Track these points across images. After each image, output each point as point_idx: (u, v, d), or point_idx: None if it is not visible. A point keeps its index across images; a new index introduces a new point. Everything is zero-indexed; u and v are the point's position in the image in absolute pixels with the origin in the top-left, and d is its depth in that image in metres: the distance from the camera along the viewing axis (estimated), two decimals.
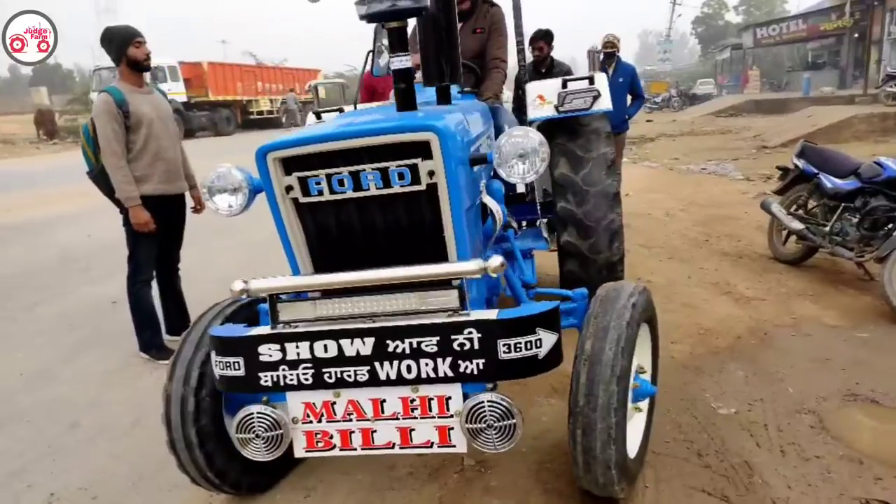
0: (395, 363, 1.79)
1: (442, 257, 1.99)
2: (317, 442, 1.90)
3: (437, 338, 1.76)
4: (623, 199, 7.81)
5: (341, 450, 1.89)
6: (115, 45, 3.65)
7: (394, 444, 1.87)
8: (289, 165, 1.96)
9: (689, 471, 2.49)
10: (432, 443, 1.84)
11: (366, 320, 1.83)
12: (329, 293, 1.92)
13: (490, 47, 3.77)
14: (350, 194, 1.95)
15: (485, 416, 1.75)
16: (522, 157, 1.98)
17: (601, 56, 6.98)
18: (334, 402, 1.86)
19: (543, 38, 5.87)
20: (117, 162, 3.56)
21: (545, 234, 3.73)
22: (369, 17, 1.90)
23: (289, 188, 1.97)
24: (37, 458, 2.90)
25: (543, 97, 3.67)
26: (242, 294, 1.87)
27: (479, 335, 1.75)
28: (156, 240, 3.76)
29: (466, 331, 1.75)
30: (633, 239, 6.12)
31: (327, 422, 1.88)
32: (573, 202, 3.62)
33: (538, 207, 3.76)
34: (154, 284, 3.94)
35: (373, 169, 1.90)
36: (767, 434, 2.73)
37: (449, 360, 1.77)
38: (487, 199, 2.26)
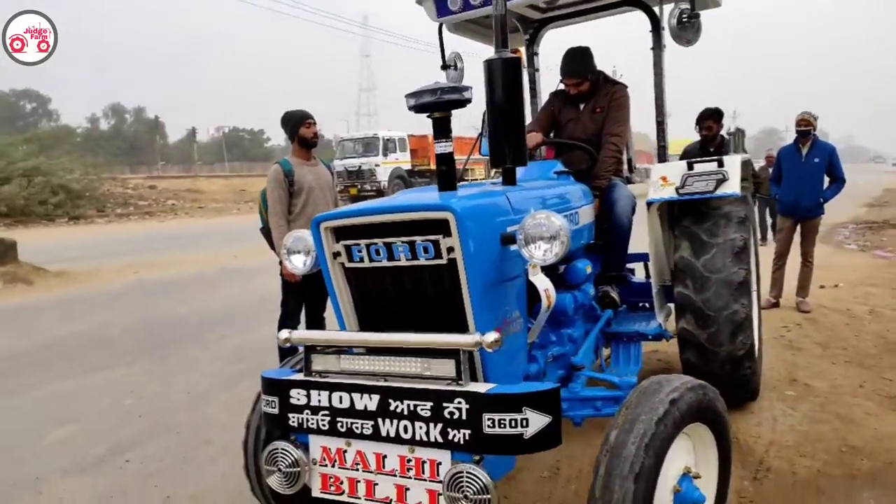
0: (395, 422, 1.92)
1: (464, 327, 2.09)
2: (330, 485, 2.08)
3: (431, 403, 1.86)
4: (830, 290, 7.08)
5: (349, 496, 2.05)
6: (290, 125, 4.35)
7: (391, 500, 1.98)
8: (338, 234, 2.24)
9: None
10: None
11: (378, 378, 2.00)
12: (355, 350, 2.13)
13: (607, 123, 3.75)
14: (385, 263, 2.16)
15: (462, 486, 1.79)
16: (544, 240, 2.04)
17: (794, 135, 6.49)
18: (345, 451, 2.03)
19: (712, 116, 5.66)
20: (279, 221, 4.20)
21: (660, 320, 3.58)
22: (416, 109, 2.14)
23: (336, 254, 2.24)
24: (171, 465, 3.46)
25: (666, 178, 3.58)
26: (286, 343, 2.16)
27: (468, 406, 1.82)
28: (302, 291, 4.30)
29: (457, 400, 1.83)
30: (813, 336, 5.51)
31: (339, 468, 2.05)
32: (692, 288, 3.45)
33: (653, 290, 3.62)
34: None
35: (403, 242, 2.10)
36: None
37: (440, 426, 1.85)
38: (535, 279, 2.32)
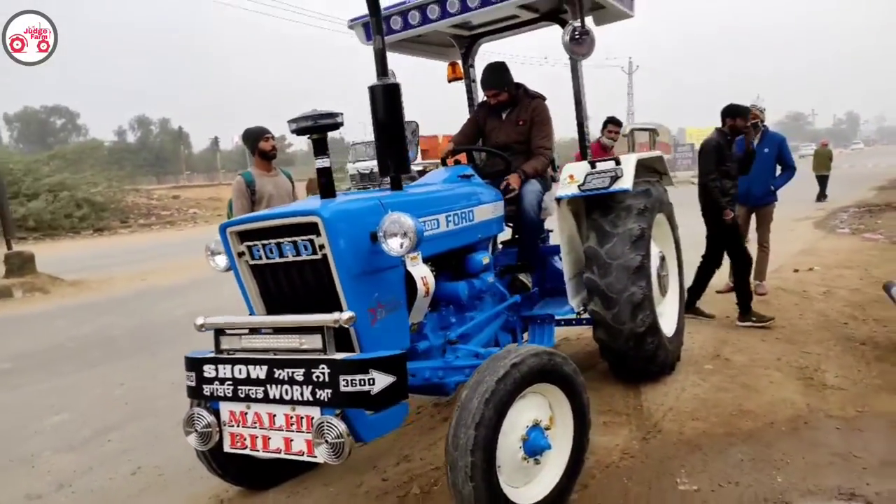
0: (279, 386, 2.38)
1: (339, 310, 2.54)
2: (237, 442, 2.55)
3: (303, 370, 2.33)
4: (803, 273, 7.35)
5: (251, 450, 2.52)
6: (250, 140, 4.85)
7: (280, 450, 2.44)
8: (242, 237, 2.72)
9: None
10: (303, 452, 2.38)
11: (267, 353, 2.47)
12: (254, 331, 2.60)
13: (534, 137, 4.16)
14: (277, 259, 2.63)
15: (324, 433, 2.26)
16: (398, 235, 2.48)
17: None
18: (246, 413, 2.50)
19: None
20: None
21: (573, 304, 3.97)
22: (297, 132, 2.60)
23: (241, 254, 2.72)
24: (145, 443, 3.98)
25: (573, 176, 3.99)
26: (202, 327, 2.64)
27: (329, 370, 2.28)
28: None
29: (321, 366, 2.30)
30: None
31: (242, 427, 2.52)
32: (597, 273, 3.86)
33: (565, 277, 3.99)
34: None
35: (288, 241, 2.57)
36: None
37: (310, 387, 2.32)
38: (412, 269, 2.76)
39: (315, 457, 2.33)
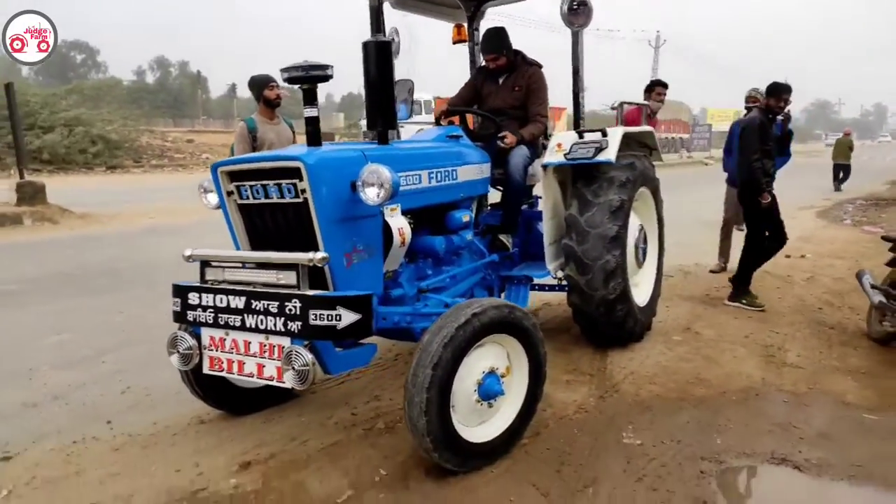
0: (255, 316, 2.60)
1: (317, 251, 2.74)
2: (215, 365, 2.78)
3: (278, 303, 2.54)
4: (795, 260, 7.45)
5: (227, 372, 2.75)
6: (256, 88, 5.00)
7: (253, 374, 2.67)
8: (232, 177, 2.90)
9: (538, 470, 2.85)
10: (273, 377, 2.61)
11: (247, 285, 2.68)
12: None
13: (531, 104, 4.29)
14: (263, 200, 2.83)
15: (291, 360, 2.48)
16: (375, 185, 2.66)
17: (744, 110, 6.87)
18: (224, 339, 2.73)
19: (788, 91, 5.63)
20: None
21: (550, 268, 4.16)
22: (289, 80, 2.76)
23: (230, 193, 2.91)
24: (137, 366, 4.24)
25: (561, 145, 4.13)
26: (189, 258, 2.85)
27: (300, 305, 2.49)
28: None
29: (293, 300, 2.51)
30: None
31: (220, 352, 2.75)
32: (575, 240, 4.03)
33: (545, 242, 4.16)
34: None
35: (273, 184, 2.76)
36: (646, 466, 2.93)
37: (283, 319, 2.53)
38: (389, 220, 2.94)
39: (283, 382, 2.56)
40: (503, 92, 4.38)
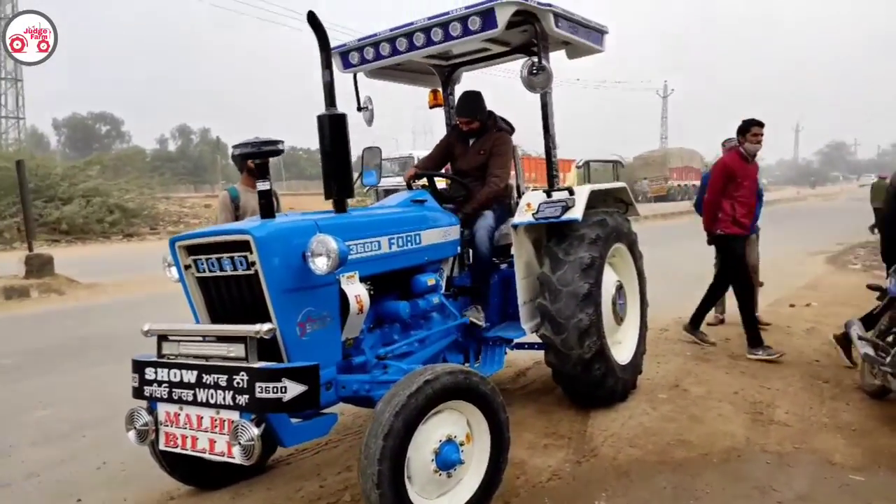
0: (206, 391, 2.61)
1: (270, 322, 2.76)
2: (171, 441, 2.78)
3: (226, 376, 2.55)
4: (799, 309, 7.40)
5: (181, 449, 2.74)
6: (237, 159, 5.14)
7: (205, 450, 2.66)
8: (189, 251, 2.96)
9: None
10: (224, 453, 2.59)
11: (199, 359, 2.70)
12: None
13: (491, 166, 4.38)
14: (218, 273, 2.88)
15: (238, 434, 2.47)
16: (323, 255, 2.70)
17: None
18: (179, 414, 2.73)
19: None
20: None
21: (526, 328, 4.13)
22: (241, 157, 2.85)
23: (187, 266, 2.97)
24: (116, 441, 4.22)
25: (530, 205, 4.17)
26: (147, 333, 2.89)
27: (247, 377, 2.50)
28: None
29: (241, 373, 2.52)
30: (731, 350, 5.89)
31: (175, 427, 2.75)
32: (548, 299, 4.02)
33: (519, 302, 4.15)
34: None
35: (227, 257, 2.81)
36: None
37: (231, 392, 2.54)
38: (346, 287, 2.97)
39: (234, 457, 2.54)
40: (470, 154, 4.47)
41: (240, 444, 2.46)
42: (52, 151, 57.85)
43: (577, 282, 3.96)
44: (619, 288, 4.51)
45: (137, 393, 2.85)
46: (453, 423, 2.82)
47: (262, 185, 2.87)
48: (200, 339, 2.76)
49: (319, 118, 3.09)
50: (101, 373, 5.99)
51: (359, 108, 4.54)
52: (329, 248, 2.68)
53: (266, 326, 2.53)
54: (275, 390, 2.47)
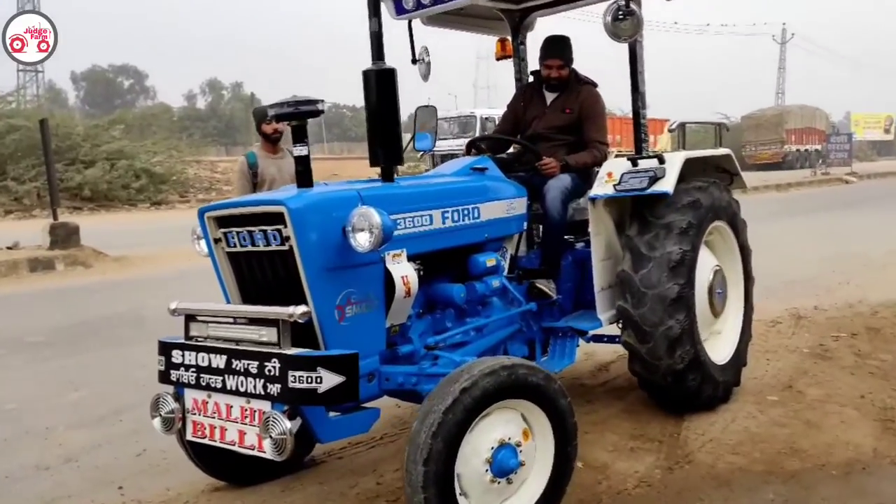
0: (236, 377, 2.71)
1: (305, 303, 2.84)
2: (198, 430, 2.92)
3: (257, 362, 2.65)
4: None
5: (210, 440, 2.88)
6: (255, 121, 5.34)
7: (235, 443, 2.78)
8: (219, 223, 3.08)
9: None
10: (254, 446, 2.71)
11: (229, 342, 2.83)
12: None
13: (587, 129, 4.30)
14: (250, 248, 2.98)
15: (269, 427, 2.57)
16: (365, 230, 2.75)
17: None
18: (207, 402, 2.86)
19: None
20: None
21: (602, 318, 4.08)
22: (277, 118, 2.92)
23: (217, 240, 3.09)
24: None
25: (611, 174, 4.02)
26: (174, 312, 3.04)
27: (279, 365, 2.59)
28: None
29: (273, 360, 2.61)
30: (857, 346, 5.66)
31: (203, 416, 2.88)
32: (630, 302, 3.89)
33: (595, 289, 4.05)
34: None
35: (259, 230, 2.91)
36: None
37: (262, 381, 2.63)
38: (391, 267, 3.02)
39: (264, 452, 2.65)
40: (550, 113, 4.38)
41: (271, 437, 2.57)
42: (71, 108, 60.15)
43: (665, 283, 3.80)
44: (717, 274, 4.34)
45: (164, 377, 3.00)
46: (505, 422, 2.78)
47: (300, 150, 2.94)
48: (231, 320, 2.88)
49: (365, 73, 3.11)
50: (131, 353, 6.29)
51: (413, 61, 4.48)
52: (372, 223, 2.72)
53: (301, 309, 2.61)
54: (309, 380, 2.54)
